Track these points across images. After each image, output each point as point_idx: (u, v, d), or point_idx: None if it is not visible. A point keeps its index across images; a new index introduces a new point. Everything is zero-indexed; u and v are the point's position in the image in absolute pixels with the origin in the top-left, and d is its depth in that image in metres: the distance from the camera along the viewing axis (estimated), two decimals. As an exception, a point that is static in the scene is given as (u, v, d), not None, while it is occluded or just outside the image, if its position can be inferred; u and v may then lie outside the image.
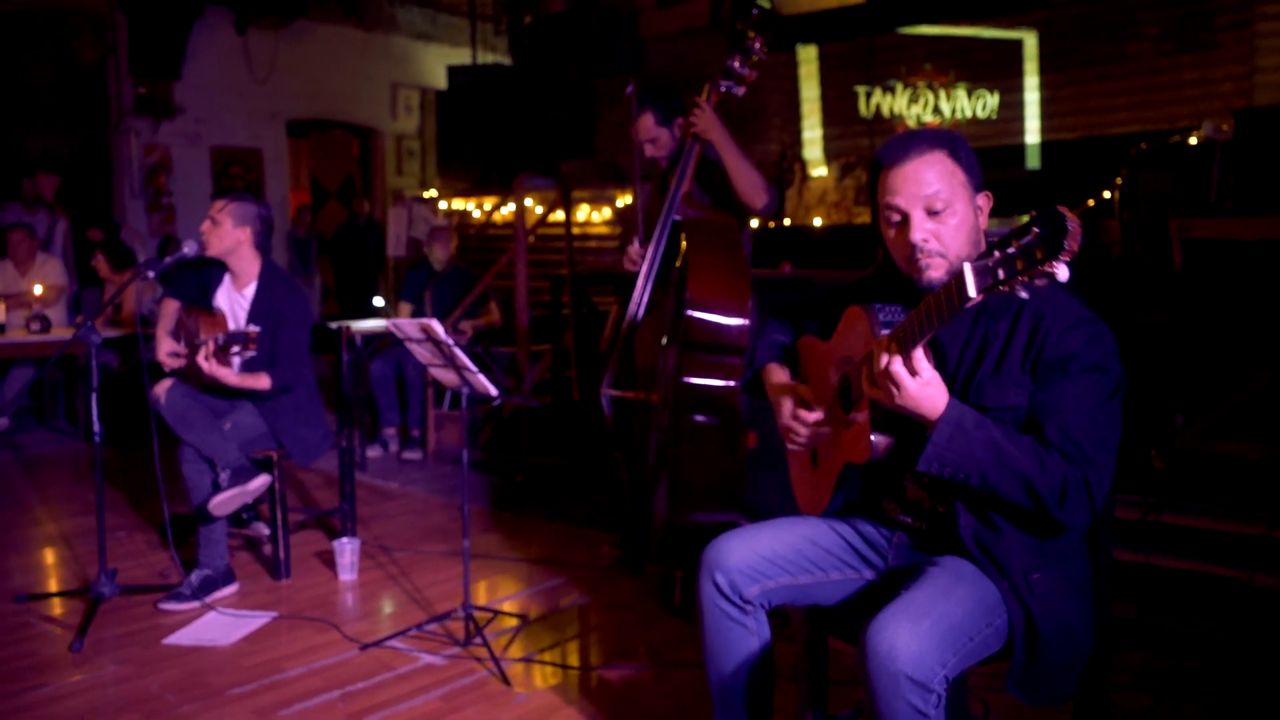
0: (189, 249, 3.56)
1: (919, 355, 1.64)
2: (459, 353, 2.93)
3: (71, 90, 9.41)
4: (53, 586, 3.75)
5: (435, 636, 3.17)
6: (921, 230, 1.79)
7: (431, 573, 3.83)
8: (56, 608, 3.50)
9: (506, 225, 7.49)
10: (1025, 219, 1.44)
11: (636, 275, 3.33)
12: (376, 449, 5.93)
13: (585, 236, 7.16)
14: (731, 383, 2.91)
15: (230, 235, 3.59)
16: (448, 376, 3.11)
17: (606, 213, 7.14)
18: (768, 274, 4.24)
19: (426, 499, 5.00)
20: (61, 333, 6.12)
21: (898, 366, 1.65)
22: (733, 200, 3.26)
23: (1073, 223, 1.37)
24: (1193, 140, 4.42)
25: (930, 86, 6.56)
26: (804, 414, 2.02)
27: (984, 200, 1.86)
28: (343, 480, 4.09)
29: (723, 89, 3.09)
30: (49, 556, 4.09)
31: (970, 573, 1.78)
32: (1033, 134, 6.10)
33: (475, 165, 7.56)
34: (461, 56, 11.11)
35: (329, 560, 3.88)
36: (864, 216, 6.57)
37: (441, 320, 5.81)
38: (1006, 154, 6.15)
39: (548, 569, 3.85)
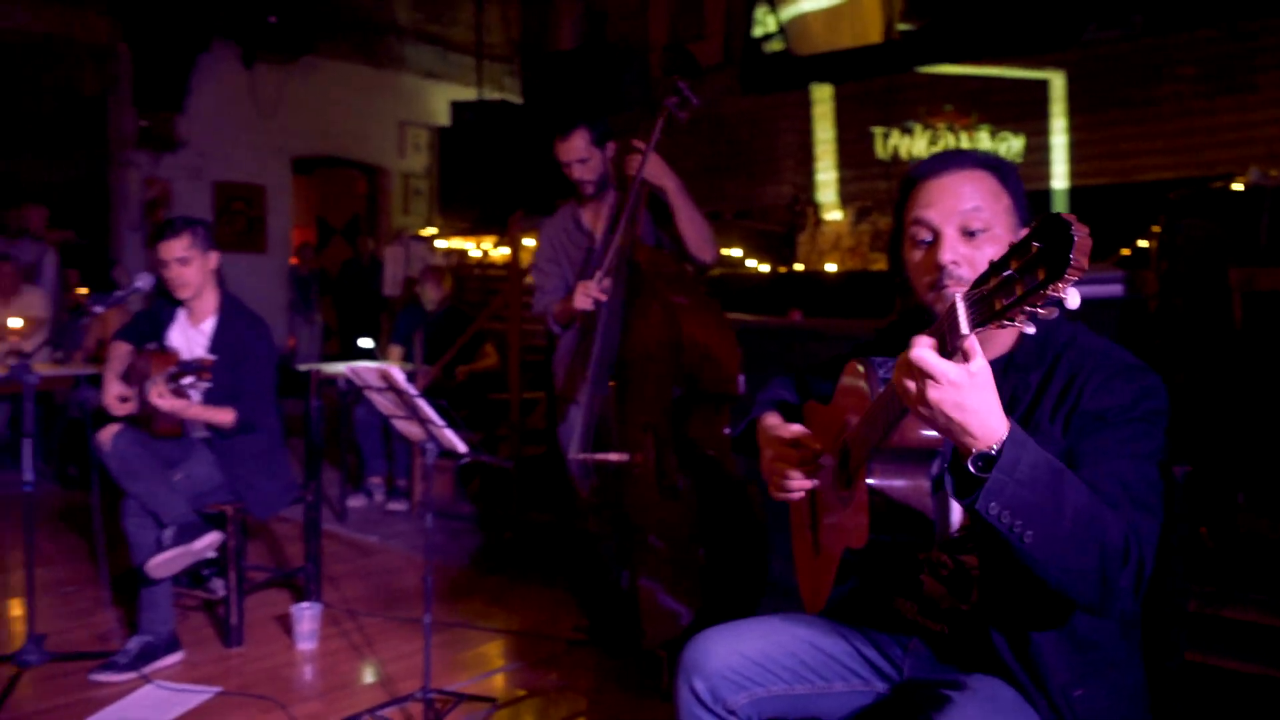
0: (142, 283, 3.29)
1: (972, 341, 1.19)
2: (422, 404, 2.61)
3: (72, 121, 9.26)
4: (-17, 649, 3.41)
5: (391, 723, 2.81)
6: (953, 251, 1.48)
7: (400, 643, 3.48)
8: (-21, 676, 3.16)
9: (506, 265, 7.21)
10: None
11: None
12: (360, 498, 5.60)
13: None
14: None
15: (203, 268, 3.32)
16: (412, 430, 2.79)
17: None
18: (775, 323, 3.92)
19: (408, 556, 4.65)
20: (39, 368, 5.85)
21: (928, 356, 1.21)
22: (679, 247, 3.04)
23: (1080, 231, 1.03)
24: (1237, 186, 4.08)
25: (951, 128, 6.28)
26: (789, 472, 1.68)
27: None
28: (307, 538, 3.75)
29: (661, 130, 2.91)
30: (-13, 614, 3.76)
31: (1008, 701, 1.44)
32: (1060, 179, 5.80)
33: (476, 203, 7.32)
34: (471, 95, 10.94)
35: (290, 625, 3.53)
36: (880, 263, 6.26)
37: (432, 364, 5.51)
38: (1033, 200, 5.82)
39: (528, 643, 3.49)
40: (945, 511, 1.56)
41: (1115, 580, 1.28)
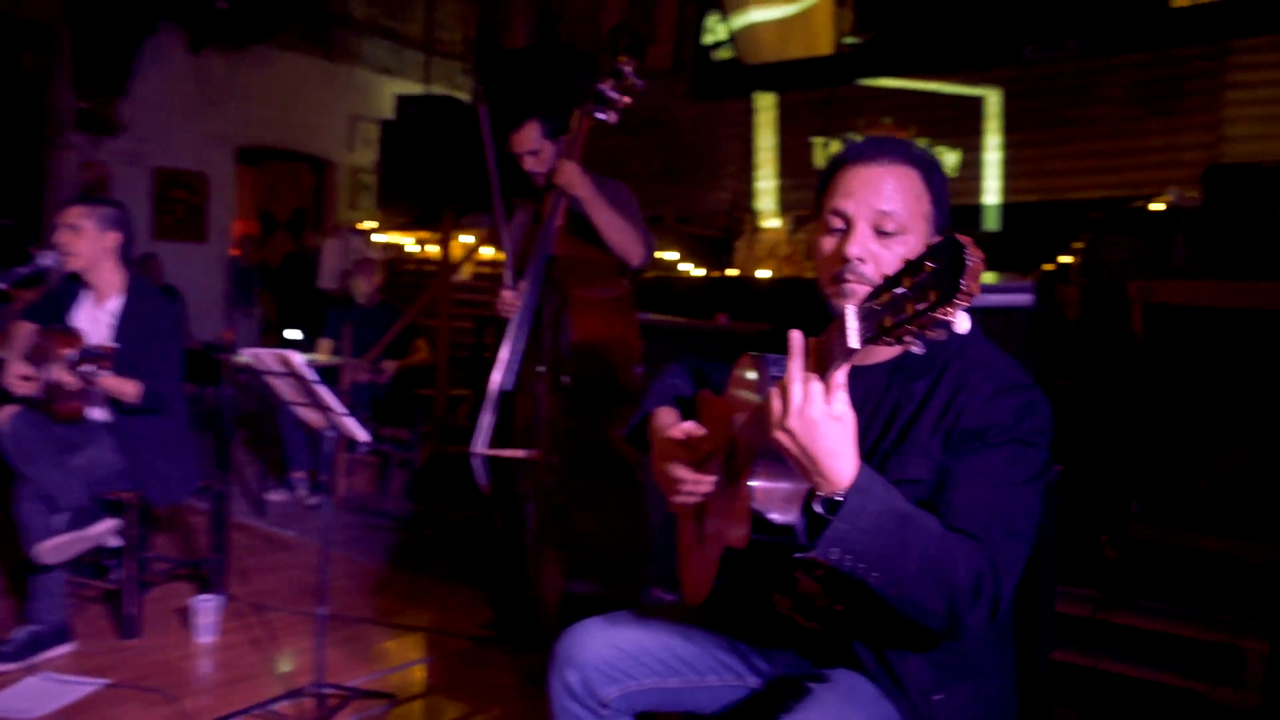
0: (47, 259, 3.20)
1: (839, 379, 1.21)
2: (322, 390, 2.56)
3: (8, 100, 9.02)
4: None
5: (283, 717, 2.75)
6: (860, 245, 1.44)
7: (303, 638, 3.40)
8: None
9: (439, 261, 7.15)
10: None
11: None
12: (283, 492, 5.49)
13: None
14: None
15: (96, 242, 3.22)
16: (313, 417, 2.73)
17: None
18: (701, 325, 3.92)
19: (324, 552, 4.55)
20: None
21: (799, 385, 1.22)
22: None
23: (973, 257, 1.01)
24: (1157, 206, 4.17)
25: (889, 140, 6.35)
26: (680, 471, 1.63)
27: None
28: (214, 529, 3.67)
29: (595, 116, 2.84)
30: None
31: (867, 695, 1.43)
32: (992, 194, 5.90)
33: (417, 198, 7.24)
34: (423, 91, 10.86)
35: (190, 618, 3.44)
36: (814, 271, 6.31)
37: (361, 357, 5.43)
38: (964, 214, 5.94)
39: (435, 640, 3.43)
40: None
41: (962, 616, 1.29)
